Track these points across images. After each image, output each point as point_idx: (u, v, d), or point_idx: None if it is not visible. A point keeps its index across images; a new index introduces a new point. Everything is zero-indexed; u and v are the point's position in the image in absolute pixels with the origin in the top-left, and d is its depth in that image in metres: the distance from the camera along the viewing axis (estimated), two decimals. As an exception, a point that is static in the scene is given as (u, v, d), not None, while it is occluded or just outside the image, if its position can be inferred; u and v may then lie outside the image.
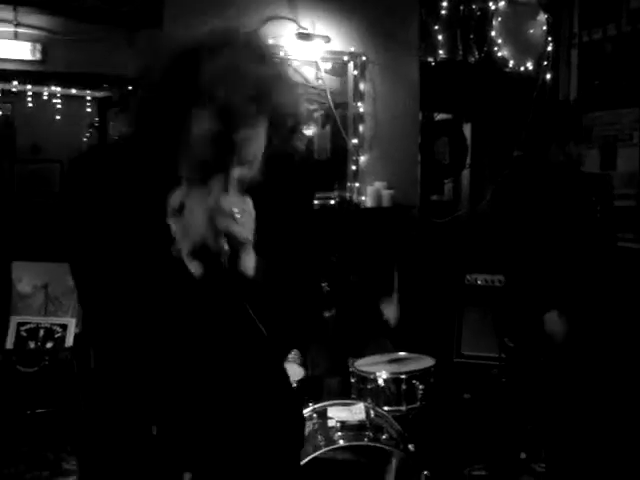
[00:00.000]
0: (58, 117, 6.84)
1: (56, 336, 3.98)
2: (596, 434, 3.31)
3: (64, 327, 4.01)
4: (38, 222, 6.11)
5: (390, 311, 3.83)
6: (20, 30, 4.16)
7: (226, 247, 1.34)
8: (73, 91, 6.00)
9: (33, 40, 4.21)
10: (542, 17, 5.35)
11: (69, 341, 3.98)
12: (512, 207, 3.25)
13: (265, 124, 1.37)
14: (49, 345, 3.98)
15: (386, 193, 4.68)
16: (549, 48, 5.40)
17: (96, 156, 1.51)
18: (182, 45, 1.34)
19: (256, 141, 1.36)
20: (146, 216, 1.37)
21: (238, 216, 1.32)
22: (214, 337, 1.43)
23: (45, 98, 6.29)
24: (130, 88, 5.10)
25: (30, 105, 6.35)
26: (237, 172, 1.35)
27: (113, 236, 1.37)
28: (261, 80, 1.31)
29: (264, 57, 1.36)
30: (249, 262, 1.38)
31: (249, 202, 1.36)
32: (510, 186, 3.40)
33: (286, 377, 1.66)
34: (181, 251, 1.34)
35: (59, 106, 6.59)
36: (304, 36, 4.47)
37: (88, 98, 6.62)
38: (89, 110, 6.93)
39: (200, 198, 1.34)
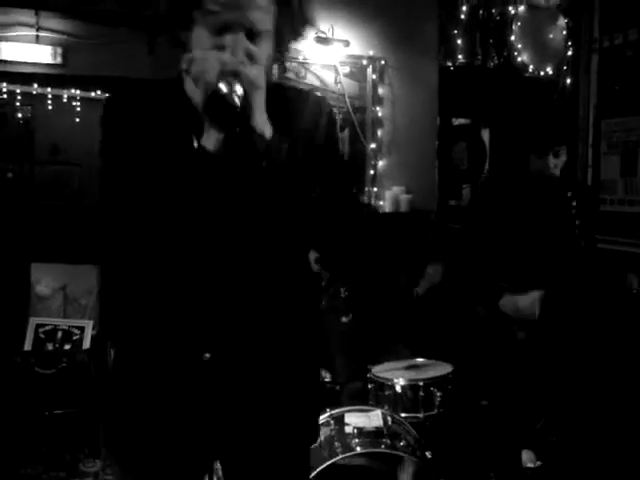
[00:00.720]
0: (78, 120, 6.87)
1: (74, 338, 4.00)
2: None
3: (82, 329, 4.03)
4: (57, 224, 6.17)
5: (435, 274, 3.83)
6: (41, 34, 4.19)
7: (238, 88, 1.33)
8: (92, 94, 6.03)
9: (54, 44, 4.23)
10: (562, 22, 5.32)
11: (86, 343, 4.00)
12: (490, 214, 3.35)
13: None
14: (67, 347, 4.00)
15: (404, 198, 4.68)
16: (569, 53, 5.37)
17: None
18: None
19: (262, 9, 1.39)
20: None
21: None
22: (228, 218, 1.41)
23: (65, 101, 6.32)
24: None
25: (50, 107, 6.39)
26: (244, 42, 1.38)
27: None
28: None
29: None
30: (261, 115, 1.37)
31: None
32: (487, 195, 3.52)
33: (307, 271, 1.62)
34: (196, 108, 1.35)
35: (78, 109, 6.62)
36: (323, 40, 4.47)
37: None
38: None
39: (207, 42, 1.38)
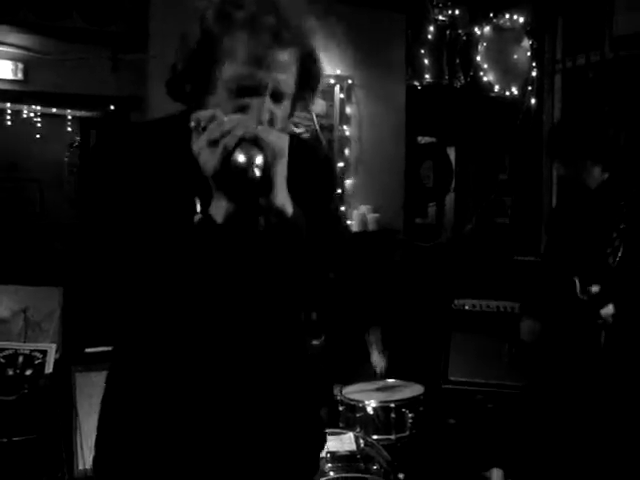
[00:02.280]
0: (38, 136, 6.76)
1: (36, 362, 3.87)
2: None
3: (44, 353, 3.90)
4: (17, 243, 6.02)
5: (377, 361, 3.80)
6: (2, 49, 4.10)
7: (259, 159, 1.21)
8: (54, 110, 5.93)
9: (15, 59, 4.15)
10: (526, 43, 5.40)
11: (49, 367, 3.87)
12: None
13: (295, 60, 1.35)
14: (28, 372, 3.87)
15: (371, 217, 4.67)
16: (533, 73, 5.44)
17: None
18: None
19: (286, 70, 1.32)
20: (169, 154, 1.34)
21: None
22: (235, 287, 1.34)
23: (24, 116, 6.21)
24: (112, 108, 5.07)
25: (9, 123, 6.27)
26: (269, 104, 1.30)
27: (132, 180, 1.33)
28: (288, 7, 1.33)
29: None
30: (283, 189, 1.26)
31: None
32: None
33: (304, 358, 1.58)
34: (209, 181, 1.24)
35: (39, 125, 6.51)
36: (291, 59, 4.46)
37: (69, 117, 6.54)
38: (69, 129, 6.85)
39: (228, 104, 1.30)
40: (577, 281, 3.05)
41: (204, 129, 1.25)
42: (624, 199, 2.97)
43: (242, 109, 1.29)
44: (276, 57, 1.29)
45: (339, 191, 4.69)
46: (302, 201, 1.34)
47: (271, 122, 1.31)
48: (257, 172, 1.20)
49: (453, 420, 4.30)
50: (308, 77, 1.41)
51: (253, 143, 1.22)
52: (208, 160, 1.23)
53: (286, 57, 1.32)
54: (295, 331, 1.53)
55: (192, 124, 1.27)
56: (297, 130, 4.53)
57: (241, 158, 1.20)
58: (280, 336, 1.46)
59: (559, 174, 3.38)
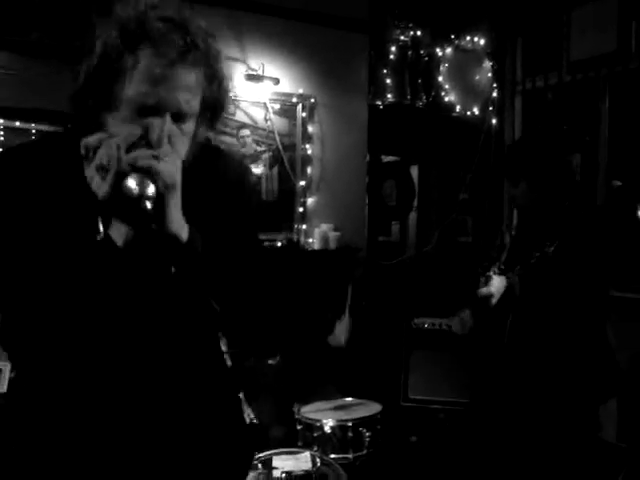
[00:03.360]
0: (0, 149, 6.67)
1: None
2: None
3: (-1, 371, 3.85)
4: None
5: (341, 330, 3.81)
6: (-39, 64, 4.06)
7: (150, 189, 1.19)
8: (17, 124, 5.86)
9: (-23, 75, 4.10)
10: (487, 64, 5.50)
11: (3, 387, 3.81)
12: None
13: (201, 82, 1.33)
14: None
15: (333, 235, 4.68)
16: (494, 94, 5.54)
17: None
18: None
19: (191, 91, 1.31)
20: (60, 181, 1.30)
21: (164, 152, 1.23)
22: (137, 318, 1.34)
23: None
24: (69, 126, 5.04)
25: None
26: (168, 124, 1.28)
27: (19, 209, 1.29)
28: (197, 28, 1.32)
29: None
30: (177, 217, 1.24)
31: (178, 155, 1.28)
32: None
33: (222, 367, 1.59)
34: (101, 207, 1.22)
35: (2, 138, 6.42)
36: (253, 77, 4.47)
37: (33, 131, 6.47)
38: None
39: (119, 130, 1.26)
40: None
41: (94, 154, 1.23)
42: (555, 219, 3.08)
43: (144, 128, 1.27)
44: (180, 77, 1.29)
45: (301, 209, 4.71)
46: (207, 221, 1.36)
47: (170, 142, 1.29)
48: (148, 204, 1.19)
49: (415, 438, 4.32)
50: (213, 99, 1.40)
51: (145, 172, 1.20)
52: (100, 186, 1.21)
53: (192, 78, 1.31)
54: (199, 350, 1.50)
55: (82, 151, 1.25)
56: (259, 148, 4.54)
57: (133, 188, 1.18)
58: (183, 355, 1.44)
59: (509, 194, 3.48)
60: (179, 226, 1.26)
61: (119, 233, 1.27)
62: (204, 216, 1.35)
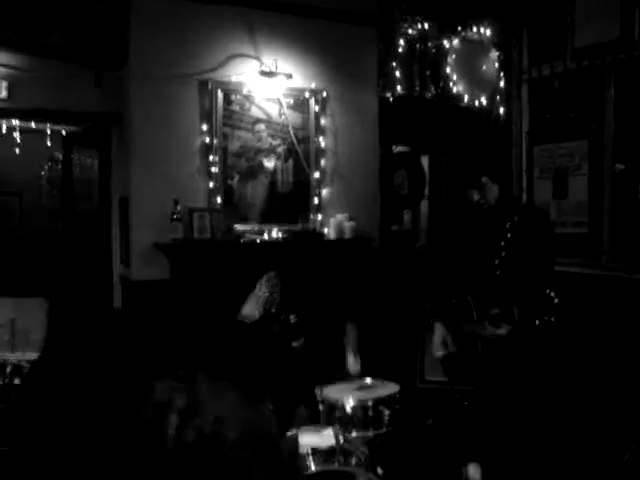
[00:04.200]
0: (17, 151, 6.83)
1: (24, 372, 3.97)
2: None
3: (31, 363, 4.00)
4: (1, 256, 6.10)
5: (352, 364, 3.95)
6: (-13, 69, 4.21)
7: None
8: (33, 125, 6.01)
9: (0, 78, 4.26)
10: (494, 54, 5.60)
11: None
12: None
13: None
14: (17, 381, 3.96)
15: (348, 225, 4.81)
16: (501, 84, 5.64)
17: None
18: None
19: None
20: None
21: None
22: None
23: (4, 132, 6.28)
24: (91, 123, 5.18)
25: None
26: None
27: None
28: None
29: None
30: None
31: None
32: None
33: None
34: None
35: (19, 140, 6.59)
36: (267, 73, 4.61)
37: (48, 132, 6.63)
38: (49, 144, 6.94)
39: None
40: (471, 301, 3.35)
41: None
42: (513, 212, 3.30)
43: None
44: None
45: (316, 201, 4.85)
46: None
47: None
48: None
49: (431, 420, 4.44)
50: None
51: None
52: None
53: None
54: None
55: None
56: (274, 142, 4.68)
57: None
58: None
59: (472, 200, 3.64)
60: None
61: None
62: None
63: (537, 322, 3.25)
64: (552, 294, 3.23)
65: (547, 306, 3.27)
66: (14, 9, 4.02)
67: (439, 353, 3.69)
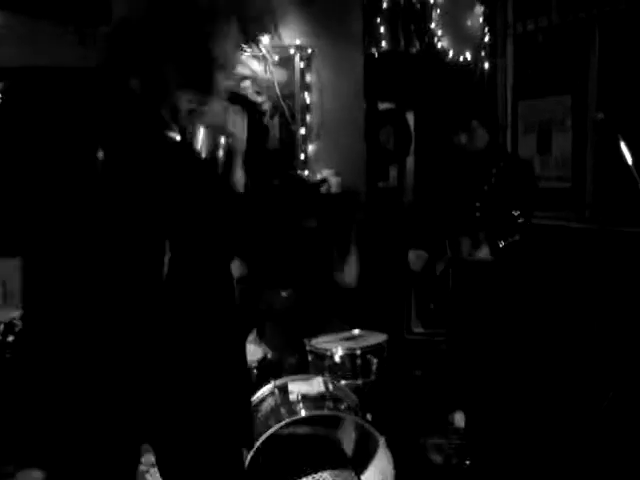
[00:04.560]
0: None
1: (17, 330, 4.01)
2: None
3: (24, 319, 4.04)
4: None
5: (350, 271, 4.01)
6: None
7: (221, 155, 1.46)
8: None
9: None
10: (479, 9, 5.60)
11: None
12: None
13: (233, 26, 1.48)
14: (10, 339, 4.00)
15: (334, 180, 4.85)
16: (486, 39, 5.65)
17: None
18: None
19: (226, 39, 1.46)
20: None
21: (231, 129, 1.47)
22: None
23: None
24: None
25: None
26: (218, 78, 1.47)
27: None
28: None
29: None
30: (239, 175, 1.50)
31: (238, 112, 1.49)
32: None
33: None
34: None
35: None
36: (252, 30, 4.59)
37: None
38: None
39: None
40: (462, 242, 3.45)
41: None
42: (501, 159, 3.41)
43: None
44: None
45: (302, 156, 4.88)
46: None
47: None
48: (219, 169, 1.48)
49: (419, 372, 4.54)
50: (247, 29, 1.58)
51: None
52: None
53: None
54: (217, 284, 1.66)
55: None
56: (260, 99, 4.69)
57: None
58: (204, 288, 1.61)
59: (460, 143, 3.69)
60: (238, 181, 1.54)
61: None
62: None
63: (501, 244, 3.36)
64: (516, 213, 3.31)
65: (512, 226, 3.38)
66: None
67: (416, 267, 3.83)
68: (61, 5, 4.22)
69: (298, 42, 4.84)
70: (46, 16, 4.31)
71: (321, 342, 3.50)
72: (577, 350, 4.17)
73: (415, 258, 3.78)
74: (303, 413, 2.84)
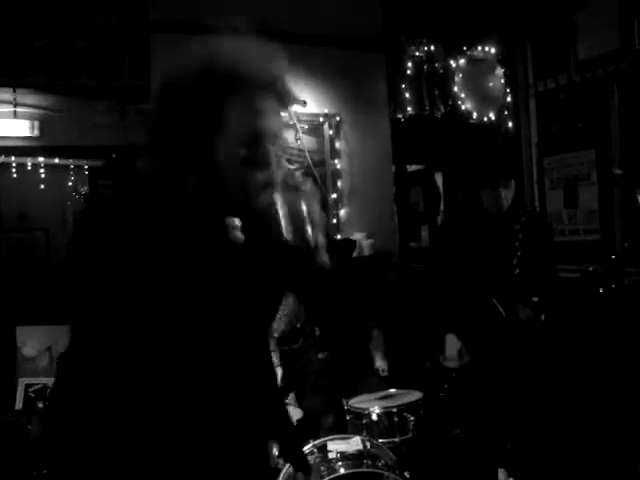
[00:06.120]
0: (42, 186, 6.99)
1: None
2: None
3: (71, 386, 4.18)
4: (34, 287, 6.29)
5: (380, 362, 4.08)
6: (19, 110, 4.44)
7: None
8: (56, 160, 6.19)
9: (31, 118, 4.48)
10: (499, 71, 5.78)
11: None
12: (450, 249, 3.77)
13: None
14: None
15: (366, 243, 4.98)
16: (508, 99, 5.81)
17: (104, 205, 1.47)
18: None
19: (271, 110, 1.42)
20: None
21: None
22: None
23: (29, 168, 6.46)
24: (114, 156, 5.39)
25: (15, 175, 6.49)
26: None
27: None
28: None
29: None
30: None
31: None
32: (447, 233, 3.96)
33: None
34: None
35: (43, 175, 6.75)
36: (282, 102, 4.80)
37: (71, 167, 6.82)
38: (73, 178, 7.13)
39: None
40: (496, 303, 3.51)
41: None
42: (523, 215, 3.51)
43: None
44: None
45: (334, 221, 5.03)
46: None
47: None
48: None
49: (459, 430, 4.54)
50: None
51: None
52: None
53: None
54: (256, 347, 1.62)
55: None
56: (291, 167, 4.88)
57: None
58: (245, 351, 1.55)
59: (485, 200, 3.77)
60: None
61: None
62: None
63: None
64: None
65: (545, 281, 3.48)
66: (45, 55, 4.27)
67: (453, 364, 3.81)
68: (106, 87, 4.49)
69: (326, 111, 5.04)
70: (93, 97, 4.58)
71: (358, 401, 3.57)
72: (618, 406, 4.16)
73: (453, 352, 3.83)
74: (342, 471, 2.90)
